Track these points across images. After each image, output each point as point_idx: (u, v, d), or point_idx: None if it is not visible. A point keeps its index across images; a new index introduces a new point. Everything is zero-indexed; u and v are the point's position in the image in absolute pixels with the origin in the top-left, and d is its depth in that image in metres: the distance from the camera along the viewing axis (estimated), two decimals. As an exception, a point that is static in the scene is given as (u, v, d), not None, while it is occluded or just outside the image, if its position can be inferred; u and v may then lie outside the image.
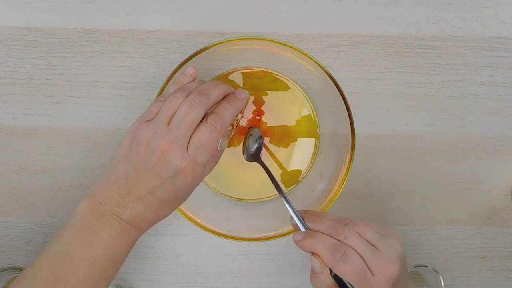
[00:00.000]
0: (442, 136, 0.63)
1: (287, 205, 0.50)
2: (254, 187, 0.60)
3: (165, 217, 0.48)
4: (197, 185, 0.47)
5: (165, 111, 0.46)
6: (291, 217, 0.49)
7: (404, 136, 0.62)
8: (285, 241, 0.62)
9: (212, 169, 0.49)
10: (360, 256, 0.43)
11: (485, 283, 0.63)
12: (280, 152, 0.59)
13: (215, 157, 0.49)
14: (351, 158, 0.53)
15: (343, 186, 0.53)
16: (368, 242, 0.44)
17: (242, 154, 0.59)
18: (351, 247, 0.44)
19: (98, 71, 0.62)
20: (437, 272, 0.61)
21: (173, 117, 0.45)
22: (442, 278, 0.61)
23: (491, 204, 0.63)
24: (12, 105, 0.62)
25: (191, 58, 0.52)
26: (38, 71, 0.62)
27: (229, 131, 0.50)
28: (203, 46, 0.53)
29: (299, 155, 0.60)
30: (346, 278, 0.43)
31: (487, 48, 0.63)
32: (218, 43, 0.52)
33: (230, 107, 0.47)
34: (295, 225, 0.48)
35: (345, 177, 0.53)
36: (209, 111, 0.47)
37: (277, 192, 0.60)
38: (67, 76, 0.62)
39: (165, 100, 0.47)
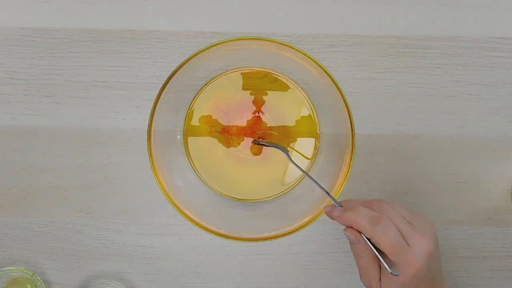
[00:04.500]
0: (442, 136, 0.63)
1: (324, 190, 0.50)
2: (254, 187, 0.60)
3: None
4: None
5: None
6: (326, 206, 0.49)
7: (404, 136, 0.62)
8: (285, 241, 0.62)
9: None
10: (397, 228, 0.45)
11: (485, 283, 0.63)
12: (279, 152, 0.59)
13: None
14: (351, 158, 0.53)
15: (343, 186, 0.53)
16: (403, 218, 0.46)
17: (242, 154, 0.59)
18: (389, 218, 0.45)
19: (98, 71, 0.62)
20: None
21: None
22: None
23: (491, 204, 0.63)
24: (12, 105, 0.62)
25: (192, 58, 0.52)
26: (38, 71, 0.62)
27: None
28: (203, 46, 0.53)
29: (299, 155, 0.60)
30: (384, 248, 0.44)
31: (487, 48, 0.63)
32: (218, 43, 0.52)
33: None
34: (329, 211, 0.48)
35: (345, 177, 0.53)
36: None
37: (277, 192, 0.60)
38: (67, 76, 0.62)
39: None
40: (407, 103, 0.62)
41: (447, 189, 0.63)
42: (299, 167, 0.55)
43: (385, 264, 0.44)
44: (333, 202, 0.50)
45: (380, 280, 0.46)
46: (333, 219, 0.48)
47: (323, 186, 0.52)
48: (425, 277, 0.45)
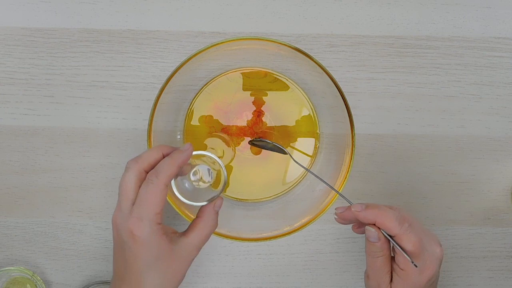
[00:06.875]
0: (442, 136, 0.63)
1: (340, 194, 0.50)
2: (254, 187, 0.60)
3: None
4: (159, 246, 0.45)
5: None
6: (337, 208, 0.49)
7: (404, 136, 0.62)
8: (285, 241, 0.62)
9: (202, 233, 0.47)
10: None
11: (485, 283, 0.63)
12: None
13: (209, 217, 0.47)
14: (351, 158, 0.53)
15: (343, 186, 0.53)
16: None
17: (242, 154, 0.59)
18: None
19: (98, 71, 0.62)
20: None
21: None
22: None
23: (491, 204, 0.63)
24: (12, 105, 0.62)
25: (192, 58, 0.52)
26: (38, 71, 0.62)
27: (212, 170, 0.49)
28: (203, 46, 0.53)
29: (299, 155, 0.60)
30: (408, 247, 0.44)
31: (487, 48, 0.63)
32: (218, 43, 0.52)
33: (167, 159, 0.46)
34: (346, 208, 0.48)
35: (345, 177, 0.53)
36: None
37: (277, 192, 0.60)
38: (67, 76, 0.62)
39: None
40: (407, 103, 0.62)
41: (447, 189, 0.63)
42: (303, 166, 0.55)
43: (408, 257, 0.44)
44: (347, 202, 0.49)
45: (391, 282, 0.46)
46: (344, 219, 0.48)
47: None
48: (433, 284, 0.46)
